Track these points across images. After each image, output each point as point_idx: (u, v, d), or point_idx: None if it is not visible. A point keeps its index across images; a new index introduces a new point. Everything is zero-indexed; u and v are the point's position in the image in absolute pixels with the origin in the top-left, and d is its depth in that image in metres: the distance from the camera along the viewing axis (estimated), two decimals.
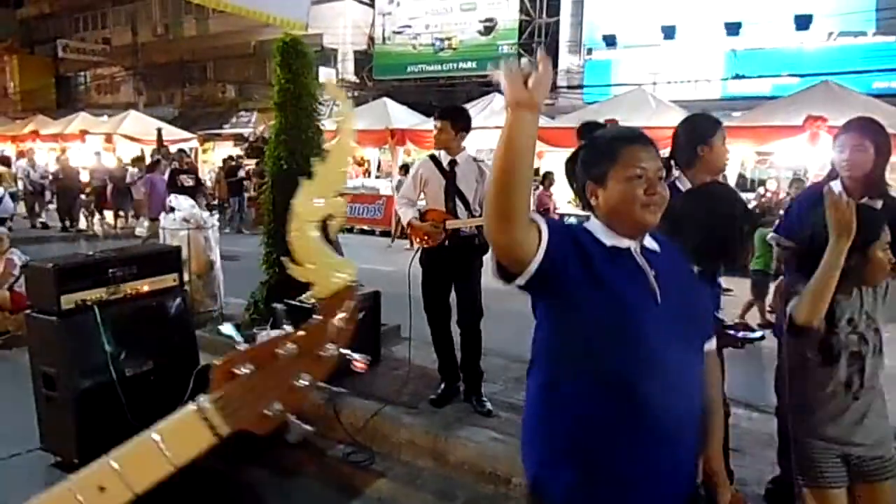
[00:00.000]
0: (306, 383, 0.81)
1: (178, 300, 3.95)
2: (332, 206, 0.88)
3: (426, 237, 3.96)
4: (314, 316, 0.83)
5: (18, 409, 3.66)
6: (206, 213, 6.61)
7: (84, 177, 14.61)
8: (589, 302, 1.41)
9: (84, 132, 17.67)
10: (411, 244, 4.22)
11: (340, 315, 0.83)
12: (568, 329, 1.47)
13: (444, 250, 3.92)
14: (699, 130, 2.69)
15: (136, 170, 14.03)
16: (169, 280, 3.91)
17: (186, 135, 19.05)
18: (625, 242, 1.49)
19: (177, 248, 4.39)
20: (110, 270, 3.62)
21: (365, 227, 13.59)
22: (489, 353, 4.27)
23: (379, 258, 9.70)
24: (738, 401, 4.17)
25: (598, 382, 1.42)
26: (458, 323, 4.06)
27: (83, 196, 14.34)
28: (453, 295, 4.07)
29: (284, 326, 0.83)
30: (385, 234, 12.92)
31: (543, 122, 8.25)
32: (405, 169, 13.49)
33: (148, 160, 15.19)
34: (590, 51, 16.97)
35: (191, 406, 0.78)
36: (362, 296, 4.72)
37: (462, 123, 4.00)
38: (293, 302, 4.47)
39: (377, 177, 16.29)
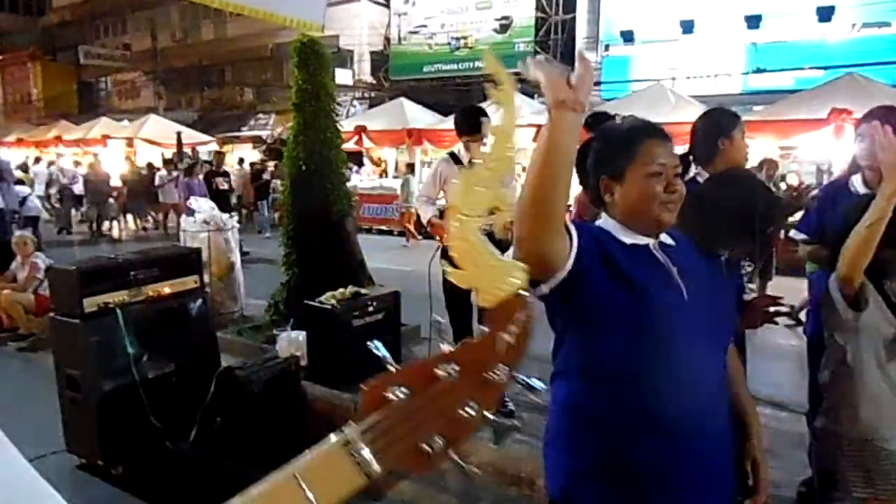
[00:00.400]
0: (473, 413, 0.65)
1: (199, 302, 3.97)
2: (497, 198, 0.75)
3: (447, 235, 3.93)
4: (480, 328, 0.70)
5: (44, 411, 3.70)
6: (225, 216, 6.66)
7: (114, 181, 14.63)
8: (616, 304, 1.36)
9: (106, 137, 17.92)
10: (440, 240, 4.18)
11: (510, 329, 0.68)
12: (594, 338, 1.41)
13: None
14: (719, 124, 2.64)
15: (164, 172, 14.12)
16: (190, 282, 3.93)
17: (206, 138, 19.21)
18: (643, 240, 1.45)
19: (197, 251, 4.41)
20: (132, 273, 3.64)
21: (383, 228, 13.60)
22: None
23: (397, 258, 9.70)
24: (766, 401, 4.09)
25: (628, 392, 1.37)
26: (479, 321, 4.01)
27: (111, 200, 14.41)
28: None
29: (443, 345, 0.68)
30: (403, 233, 12.95)
31: None
32: (411, 168, 13.49)
33: (159, 164, 15.27)
34: (607, 47, 16.78)
35: (336, 438, 0.63)
36: (382, 296, 4.70)
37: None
38: (313, 303, 4.48)
39: (395, 177, 16.30)
